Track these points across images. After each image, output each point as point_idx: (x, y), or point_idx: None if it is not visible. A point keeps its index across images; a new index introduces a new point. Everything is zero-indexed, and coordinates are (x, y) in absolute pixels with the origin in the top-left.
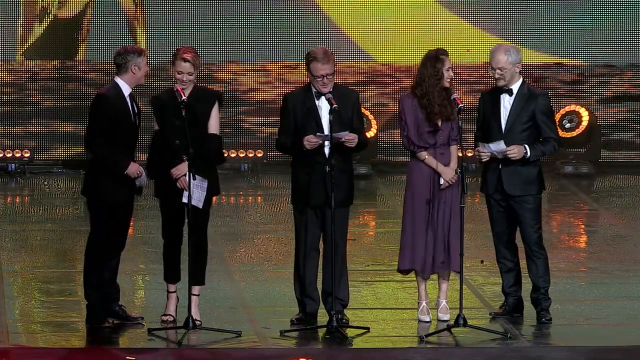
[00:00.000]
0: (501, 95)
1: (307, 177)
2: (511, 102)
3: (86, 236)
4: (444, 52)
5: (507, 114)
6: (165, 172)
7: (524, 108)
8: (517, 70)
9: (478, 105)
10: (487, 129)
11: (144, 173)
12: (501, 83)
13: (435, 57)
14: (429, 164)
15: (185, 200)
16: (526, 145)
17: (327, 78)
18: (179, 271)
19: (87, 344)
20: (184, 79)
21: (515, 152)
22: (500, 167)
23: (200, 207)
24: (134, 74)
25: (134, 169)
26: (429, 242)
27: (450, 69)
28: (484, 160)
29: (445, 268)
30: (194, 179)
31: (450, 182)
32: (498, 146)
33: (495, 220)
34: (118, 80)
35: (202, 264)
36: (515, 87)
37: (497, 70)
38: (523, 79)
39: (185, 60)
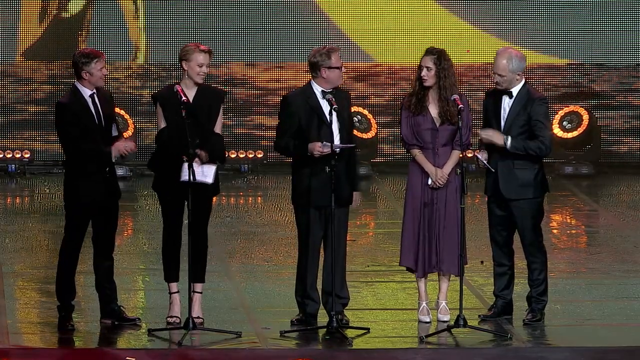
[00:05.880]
0: (503, 96)
1: (310, 178)
2: (510, 105)
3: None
4: (428, 50)
5: (506, 116)
6: (166, 166)
7: (522, 111)
8: (518, 77)
9: (483, 104)
10: (489, 129)
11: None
12: (500, 87)
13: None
14: (419, 161)
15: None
16: (509, 136)
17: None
18: (179, 269)
19: (87, 344)
20: (205, 70)
21: (490, 133)
22: (497, 169)
23: (210, 182)
24: (86, 79)
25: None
26: (424, 242)
27: (429, 69)
28: (481, 166)
29: (439, 270)
30: (194, 179)
31: (437, 183)
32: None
33: (493, 223)
34: (76, 84)
35: (204, 261)
36: (515, 90)
37: (497, 75)
38: (525, 82)
39: (205, 52)
